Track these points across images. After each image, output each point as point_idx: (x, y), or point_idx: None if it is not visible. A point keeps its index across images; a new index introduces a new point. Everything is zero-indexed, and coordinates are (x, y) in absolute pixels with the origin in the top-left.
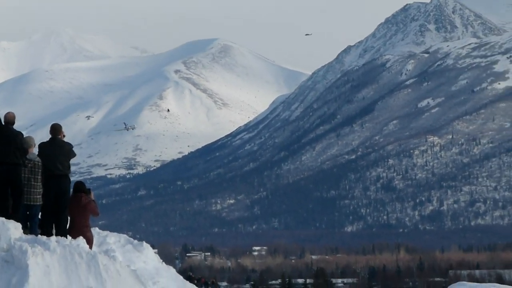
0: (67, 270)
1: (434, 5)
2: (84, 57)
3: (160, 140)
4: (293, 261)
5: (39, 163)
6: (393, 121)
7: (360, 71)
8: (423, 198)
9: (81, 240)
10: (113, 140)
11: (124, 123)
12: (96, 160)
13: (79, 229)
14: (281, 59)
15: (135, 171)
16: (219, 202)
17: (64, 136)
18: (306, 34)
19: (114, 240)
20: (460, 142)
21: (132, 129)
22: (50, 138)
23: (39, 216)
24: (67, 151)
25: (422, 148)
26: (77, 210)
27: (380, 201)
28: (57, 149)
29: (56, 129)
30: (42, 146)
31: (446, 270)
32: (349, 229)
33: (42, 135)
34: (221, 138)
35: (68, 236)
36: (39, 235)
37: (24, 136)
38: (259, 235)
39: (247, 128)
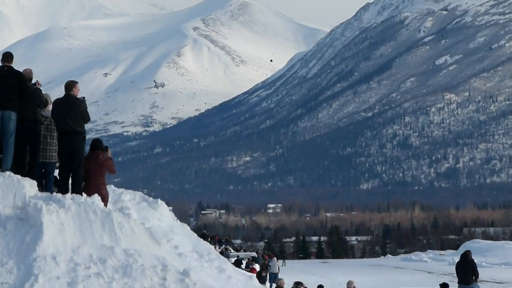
0: (82, 227)
1: None
2: (103, 15)
3: (177, 98)
4: (307, 218)
5: None
6: (411, 79)
7: (378, 29)
8: (439, 156)
9: (96, 198)
10: (130, 98)
11: (154, 81)
12: (112, 117)
13: (95, 187)
14: (300, 16)
15: (151, 129)
16: (235, 159)
17: (78, 91)
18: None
19: (129, 198)
20: (477, 100)
21: (162, 86)
22: (64, 95)
23: (55, 174)
24: (77, 107)
25: (439, 105)
26: (94, 168)
27: (396, 158)
28: (69, 105)
29: (69, 86)
30: (54, 102)
31: (461, 228)
32: (364, 186)
33: (59, 92)
34: (238, 96)
35: (83, 193)
36: (54, 193)
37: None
38: (274, 193)
39: (264, 85)
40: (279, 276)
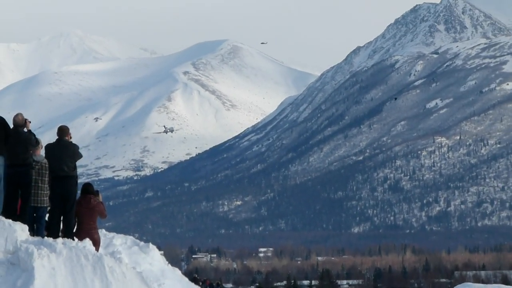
0: (73, 272)
1: (444, 6)
2: (93, 59)
3: (168, 142)
4: (299, 262)
5: (46, 165)
6: (401, 122)
7: (369, 72)
8: (430, 199)
9: (87, 242)
10: (121, 142)
11: (164, 126)
12: (103, 161)
13: (87, 231)
14: (290, 60)
15: (142, 173)
16: (226, 203)
17: (71, 138)
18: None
19: (120, 242)
20: (468, 143)
21: (172, 131)
22: (56, 140)
23: (46, 218)
24: (72, 152)
25: (430, 149)
26: (86, 212)
27: (387, 202)
28: (63, 150)
29: (63, 131)
30: (48, 147)
31: (452, 271)
32: (355, 230)
33: (50, 137)
34: (228, 140)
35: (75, 237)
36: (46, 237)
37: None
38: (265, 237)
39: (255, 129)
40: None
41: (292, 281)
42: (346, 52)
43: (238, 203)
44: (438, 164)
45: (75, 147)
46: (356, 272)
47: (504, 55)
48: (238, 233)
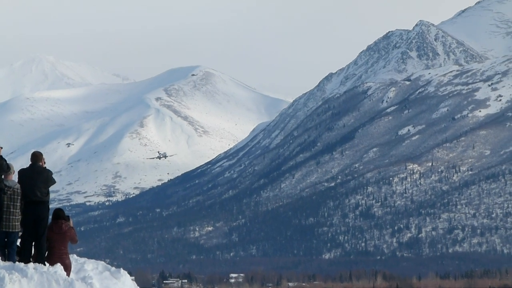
0: None
1: (416, 33)
2: (66, 85)
3: (140, 168)
4: None
5: (18, 190)
6: (373, 149)
7: (341, 99)
8: (402, 225)
9: (58, 267)
10: (92, 168)
11: (158, 152)
12: (75, 187)
13: (58, 256)
14: (262, 86)
15: (114, 198)
16: (197, 229)
17: (44, 163)
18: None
19: (91, 267)
20: (439, 170)
21: (165, 157)
22: (30, 165)
23: (17, 243)
24: (45, 178)
25: (402, 175)
26: (57, 237)
27: (359, 228)
28: (36, 175)
29: (36, 156)
30: (21, 172)
31: None
32: (327, 256)
33: (22, 162)
34: (200, 166)
35: (46, 262)
36: (17, 262)
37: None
38: (236, 262)
39: (227, 155)
40: None
41: None
42: (318, 78)
43: (210, 229)
44: (410, 191)
45: (48, 173)
46: None
47: (476, 82)
48: (209, 258)
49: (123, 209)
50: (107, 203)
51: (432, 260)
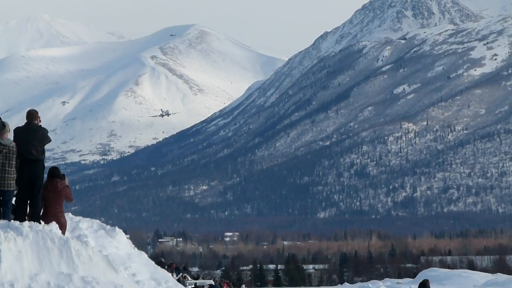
0: (39, 255)
1: None
2: (61, 43)
3: (135, 126)
4: (265, 247)
5: (14, 148)
6: (368, 108)
7: (337, 57)
8: (396, 185)
9: (53, 226)
10: (88, 126)
11: (161, 109)
12: (70, 146)
13: (53, 215)
14: (258, 45)
15: (109, 157)
16: (192, 188)
17: (40, 121)
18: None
19: (86, 226)
20: (434, 129)
21: (168, 115)
22: (25, 123)
23: (13, 202)
24: (41, 136)
25: (397, 134)
26: (52, 196)
27: (353, 187)
28: (32, 134)
29: (32, 115)
30: (17, 131)
31: (418, 256)
32: (321, 215)
33: (17, 121)
34: (195, 124)
35: (42, 221)
36: (12, 221)
37: None
38: (231, 221)
39: (222, 114)
40: None
41: (258, 265)
42: (313, 37)
43: (204, 187)
44: (405, 150)
45: (44, 131)
46: (322, 257)
47: (471, 41)
48: (204, 217)
49: (118, 167)
50: (102, 162)
51: (427, 219)
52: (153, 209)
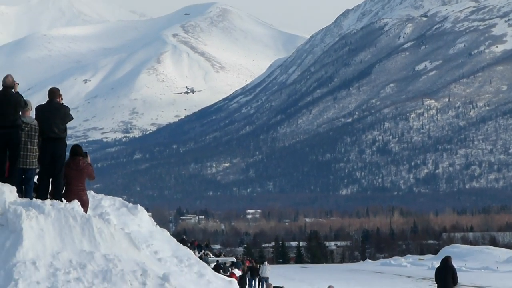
0: (61, 233)
1: None
2: (83, 21)
3: (157, 104)
4: (287, 224)
5: (36, 127)
6: (390, 84)
7: (358, 35)
8: (418, 161)
9: (75, 203)
10: (110, 104)
11: (186, 87)
12: (92, 123)
13: (76, 193)
14: (279, 22)
15: (131, 135)
16: (214, 165)
17: (62, 99)
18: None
19: (108, 204)
20: (456, 105)
21: (193, 92)
22: (47, 101)
23: (35, 180)
24: (63, 114)
25: (419, 111)
26: (74, 174)
27: (375, 164)
28: (54, 112)
29: (53, 93)
30: (39, 109)
31: (440, 233)
32: (343, 192)
33: (39, 99)
34: (217, 102)
35: (63, 199)
36: (34, 199)
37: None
38: (253, 198)
39: (244, 91)
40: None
41: (280, 242)
42: (335, 14)
43: (226, 165)
44: (427, 127)
45: (66, 109)
46: (344, 234)
47: (493, 18)
48: (226, 195)
49: (140, 145)
50: (124, 140)
51: (449, 196)
52: (175, 187)
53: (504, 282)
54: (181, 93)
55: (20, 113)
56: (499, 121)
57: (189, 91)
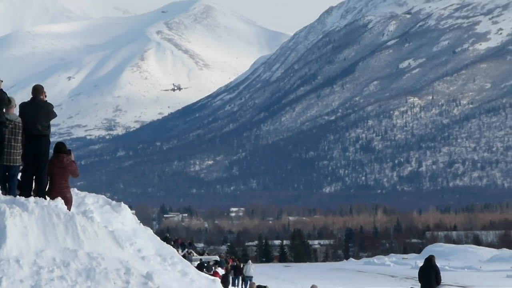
0: (45, 231)
1: None
2: (66, 18)
3: (140, 101)
4: (270, 222)
5: (20, 124)
6: (374, 82)
7: (342, 32)
8: (402, 159)
9: (59, 201)
10: (93, 101)
11: (173, 84)
12: (76, 121)
13: (59, 190)
14: (263, 20)
15: (114, 132)
16: (197, 163)
17: (45, 97)
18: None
19: (92, 201)
20: (440, 103)
21: (179, 89)
22: (31, 98)
23: (18, 177)
24: (47, 111)
25: (402, 109)
26: (58, 171)
27: (359, 162)
28: (37, 109)
29: (37, 90)
30: (22, 106)
31: (423, 231)
32: (327, 190)
33: (23, 96)
34: (201, 99)
35: (47, 197)
36: (18, 196)
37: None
38: (237, 196)
39: (227, 89)
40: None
41: (264, 240)
42: (319, 12)
43: (210, 162)
44: (410, 124)
45: (49, 106)
46: (327, 232)
47: (477, 16)
48: (209, 192)
49: (124, 142)
50: (107, 137)
51: (432, 194)
52: (159, 184)
53: (488, 281)
54: (168, 90)
55: (4, 110)
56: (483, 119)
57: (176, 88)
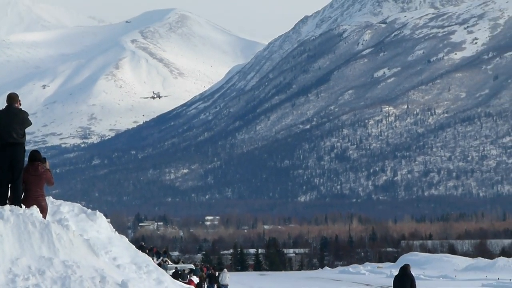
0: (20, 239)
1: None
2: (41, 27)
3: (115, 110)
4: (245, 231)
5: None
6: (349, 91)
7: (317, 41)
8: (377, 168)
9: (34, 209)
10: (68, 109)
11: (153, 92)
12: (51, 129)
13: (34, 198)
14: (238, 29)
15: (89, 140)
16: (172, 171)
17: (20, 105)
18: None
19: (67, 209)
20: (415, 112)
21: (159, 97)
22: (5, 107)
23: None
24: (22, 119)
25: (377, 118)
26: (33, 179)
27: (334, 171)
28: (12, 117)
29: (12, 98)
30: None
31: (398, 240)
32: (302, 199)
33: None
34: (176, 108)
35: (22, 205)
36: None
37: None
38: (212, 205)
39: (202, 97)
40: None
41: (239, 249)
42: (294, 21)
43: (185, 171)
44: (385, 133)
45: (24, 114)
46: (302, 241)
47: (452, 25)
48: (184, 201)
49: (99, 151)
50: (82, 145)
51: (407, 203)
52: (134, 193)
53: None
54: (147, 97)
55: None
56: (458, 128)
57: (155, 96)
